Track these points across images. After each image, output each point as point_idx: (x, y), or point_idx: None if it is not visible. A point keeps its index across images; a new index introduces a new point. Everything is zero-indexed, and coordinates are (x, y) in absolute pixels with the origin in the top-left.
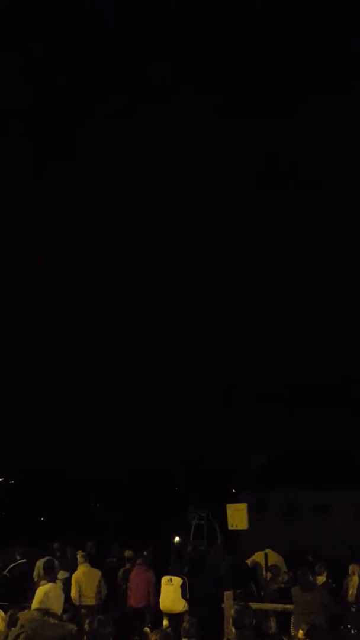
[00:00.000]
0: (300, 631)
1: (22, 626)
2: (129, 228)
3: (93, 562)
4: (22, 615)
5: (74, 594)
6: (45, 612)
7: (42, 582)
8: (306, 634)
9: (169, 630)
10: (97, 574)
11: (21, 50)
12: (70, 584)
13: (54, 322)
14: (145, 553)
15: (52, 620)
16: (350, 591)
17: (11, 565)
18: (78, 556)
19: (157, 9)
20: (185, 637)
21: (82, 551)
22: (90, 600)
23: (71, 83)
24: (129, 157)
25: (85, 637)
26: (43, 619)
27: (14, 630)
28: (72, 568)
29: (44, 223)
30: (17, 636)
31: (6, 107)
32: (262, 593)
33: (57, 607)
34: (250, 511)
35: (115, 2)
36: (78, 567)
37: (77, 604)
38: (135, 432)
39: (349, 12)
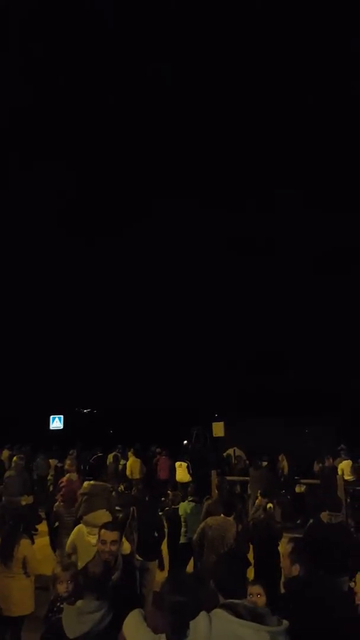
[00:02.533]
0: (258, 496)
1: (83, 493)
2: None
3: (138, 455)
4: (83, 487)
5: (128, 472)
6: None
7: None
8: (261, 495)
9: (180, 493)
10: (138, 461)
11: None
12: (127, 467)
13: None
14: (166, 450)
15: (98, 484)
16: (282, 470)
17: (94, 456)
18: (129, 452)
19: (157, 9)
20: (189, 495)
21: (133, 449)
22: (137, 475)
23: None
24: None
25: (133, 497)
26: (93, 484)
27: (80, 495)
28: (127, 459)
29: None
30: (81, 499)
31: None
32: (232, 471)
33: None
34: (225, 426)
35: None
36: (129, 458)
37: (130, 478)
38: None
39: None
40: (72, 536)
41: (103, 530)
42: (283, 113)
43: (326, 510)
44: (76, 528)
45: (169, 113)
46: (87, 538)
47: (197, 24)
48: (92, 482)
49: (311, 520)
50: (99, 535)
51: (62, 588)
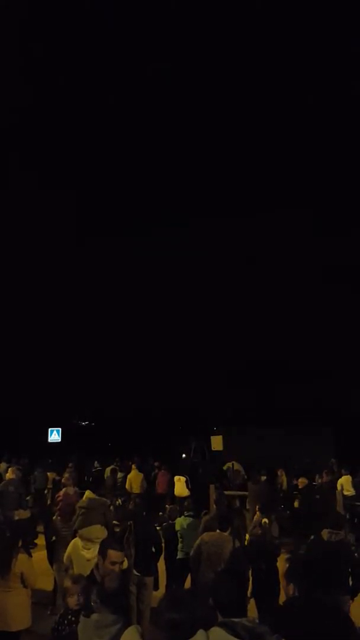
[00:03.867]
0: (257, 511)
1: (80, 507)
2: None
3: (141, 469)
4: (81, 501)
5: (127, 486)
6: (91, 497)
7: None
8: (259, 510)
9: (177, 507)
10: (140, 475)
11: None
12: (125, 481)
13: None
14: (164, 464)
15: (96, 498)
16: (281, 484)
17: (92, 470)
18: (132, 465)
19: (157, 9)
20: (186, 510)
21: (135, 463)
22: (136, 489)
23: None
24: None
25: (130, 512)
26: (91, 499)
27: (77, 509)
28: (127, 472)
29: None
30: (78, 512)
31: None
32: (230, 485)
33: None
34: (224, 440)
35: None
36: (132, 471)
37: (129, 491)
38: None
39: None
40: (68, 550)
41: (111, 551)
42: (286, 122)
43: (327, 527)
44: (72, 542)
45: (169, 115)
46: (82, 552)
47: (197, 24)
48: (90, 496)
49: (312, 537)
50: (108, 557)
51: (73, 601)
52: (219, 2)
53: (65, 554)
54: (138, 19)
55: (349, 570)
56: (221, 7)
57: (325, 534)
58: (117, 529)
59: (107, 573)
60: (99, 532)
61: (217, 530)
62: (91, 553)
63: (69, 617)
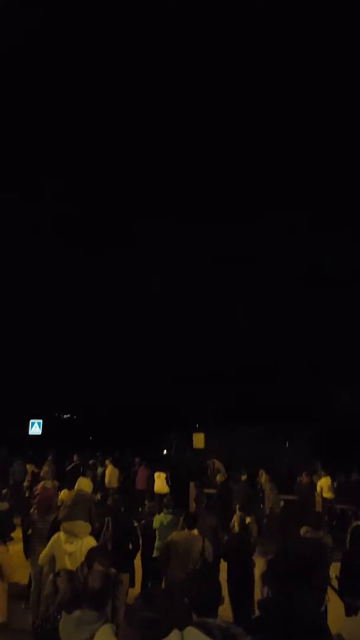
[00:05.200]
0: (237, 510)
1: (66, 499)
2: None
3: (117, 464)
4: (67, 494)
5: (106, 481)
6: (80, 491)
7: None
8: (239, 509)
9: (156, 504)
10: (116, 470)
11: None
12: (104, 476)
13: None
14: (145, 460)
15: (82, 493)
16: (262, 483)
17: (71, 465)
18: (107, 461)
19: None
20: (165, 507)
21: (112, 457)
22: (115, 484)
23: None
24: None
25: (108, 507)
26: (78, 492)
27: (65, 502)
28: (105, 467)
29: None
30: (64, 504)
31: None
32: (210, 483)
33: (88, 490)
34: (205, 438)
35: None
36: (108, 466)
37: (108, 487)
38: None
39: None
40: (49, 544)
41: (97, 565)
42: (279, 132)
43: (304, 525)
44: (54, 535)
45: (166, 121)
46: (64, 546)
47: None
48: (77, 490)
49: (289, 536)
50: (93, 568)
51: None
52: (219, 2)
53: (45, 550)
54: (138, 18)
55: (326, 569)
56: (221, 7)
57: (302, 531)
58: (96, 524)
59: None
60: (82, 527)
61: (186, 530)
62: (73, 547)
63: (55, 614)
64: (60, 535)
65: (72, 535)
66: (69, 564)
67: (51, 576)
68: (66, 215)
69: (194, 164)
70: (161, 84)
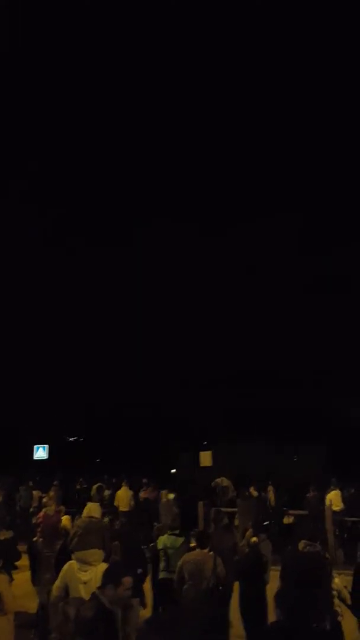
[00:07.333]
0: (249, 529)
1: (78, 526)
2: None
3: (132, 487)
4: (78, 521)
5: (115, 502)
6: (90, 517)
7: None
8: (252, 527)
9: (164, 525)
10: (130, 492)
11: None
12: (113, 499)
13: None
14: (151, 482)
15: (94, 520)
16: (270, 500)
17: (78, 488)
18: (123, 483)
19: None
20: (170, 529)
21: (126, 480)
22: (124, 507)
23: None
24: None
25: (117, 532)
26: (90, 520)
27: (74, 528)
28: (115, 489)
29: None
30: (75, 532)
31: None
32: (219, 502)
33: (97, 515)
34: (213, 454)
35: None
36: (122, 487)
37: (116, 507)
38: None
39: None
40: (62, 574)
41: (126, 579)
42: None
43: (304, 539)
44: (66, 565)
45: (163, 124)
46: (78, 575)
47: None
48: (88, 517)
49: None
50: (123, 584)
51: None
52: (219, 2)
53: (59, 580)
54: (137, 19)
55: (328, 583)
56: (221, 8)
57: (301, 545)
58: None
59: (120, 599)
60: (96, 555)
61: (197, 549)
62: (88, 575)
63: None
64: (73, 564)
65: (86, 564)
66: (84, 593)
67: (61, 604)
68: (66, 220)
69: (194, 164)
70: (161, 87)
